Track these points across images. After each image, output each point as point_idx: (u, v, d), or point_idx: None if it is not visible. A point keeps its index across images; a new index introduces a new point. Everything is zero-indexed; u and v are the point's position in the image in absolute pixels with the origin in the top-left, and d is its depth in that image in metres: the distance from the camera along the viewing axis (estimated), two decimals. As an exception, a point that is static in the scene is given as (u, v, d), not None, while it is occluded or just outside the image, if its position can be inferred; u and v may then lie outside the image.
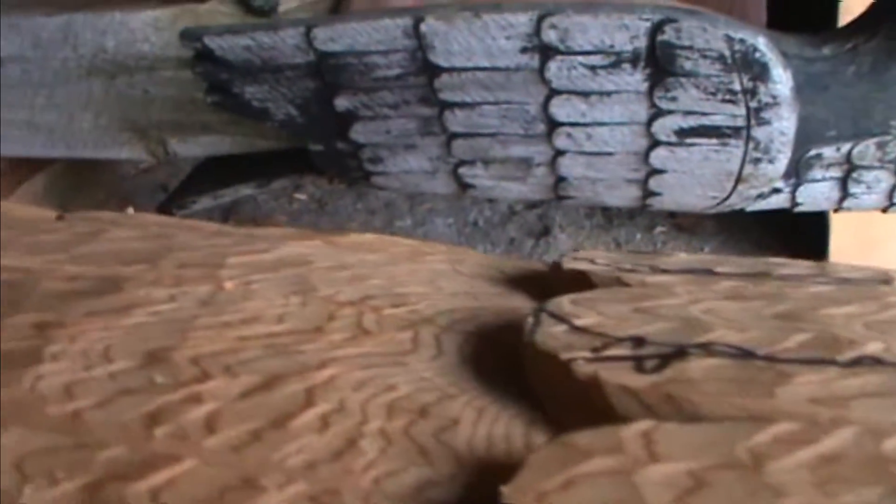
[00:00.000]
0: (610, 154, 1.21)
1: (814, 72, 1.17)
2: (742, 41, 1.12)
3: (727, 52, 1.12)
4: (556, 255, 1.46)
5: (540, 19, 1.11)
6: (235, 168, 1.35)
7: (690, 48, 1.12)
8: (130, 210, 0.55)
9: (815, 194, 1.27)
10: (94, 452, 0.33)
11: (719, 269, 0.49)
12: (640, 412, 0.34)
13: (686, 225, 1.56)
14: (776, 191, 1.27)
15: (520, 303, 0.48)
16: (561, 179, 1.25)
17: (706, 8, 1.19)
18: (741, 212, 1.32)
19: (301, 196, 1.58)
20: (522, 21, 1.11)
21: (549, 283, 0.51)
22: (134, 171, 1.65)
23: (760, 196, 1.27)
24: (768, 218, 1.41)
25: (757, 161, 1.21)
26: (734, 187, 1.25)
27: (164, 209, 1.34)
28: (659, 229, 1.54)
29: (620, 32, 1.12)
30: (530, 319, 0.40)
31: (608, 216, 1.58)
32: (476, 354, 0.41)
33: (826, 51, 1.19)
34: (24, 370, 0.37)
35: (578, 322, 0.37)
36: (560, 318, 0.38)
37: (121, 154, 1.32)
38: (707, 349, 0.37)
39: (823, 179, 1.25)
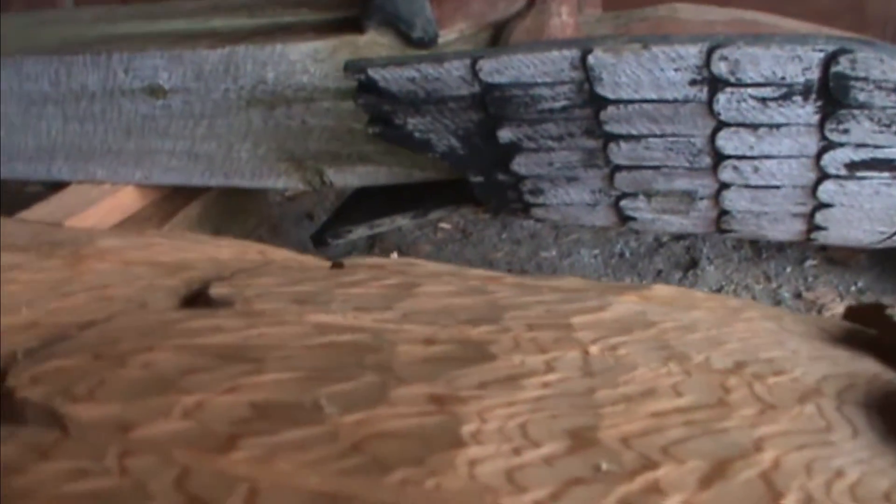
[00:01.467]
0: (776, 187, 1.19)
1: None
2: (920, 72, 1.10)
3: (904, 84, 1.10)
4: (705, 287, 1.45)
5: (710, 51, 1.10)
6: (387, 198, 1.36)
7: (865, 79, 1.10)
8: (395, 255, 0.54)
9: None
10: None
11: None
12: None
13: (838, 258, 1.53)
14: (947, 226, 1.24)
15: (870, 366, 0.47)
16: (724, 213, 1.24)
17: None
18: (898, 245, 1.29)
19: (446, 225, 1.59)
20: (692, 52, 1.11)
21: (881, 342, 0.49)
22: (280, 198, 1.68)
23: (933, 231, 1.24)
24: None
25: (931, 196, 1.18)
26: (904, 222, 1.22)
27: (319, 238, 1.35)
28: (810, 262, 1.52)
29: (793, 64, 1.11)
30: None
31: (757, 248, 1.56)
32: (888, 430, 0.40)
33: None
34: (450, 453, 0.36)
35: None
36: None
37: (277, 183, 1.34)
38: None
39: None
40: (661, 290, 0.54)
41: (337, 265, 0.58)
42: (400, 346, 0.44)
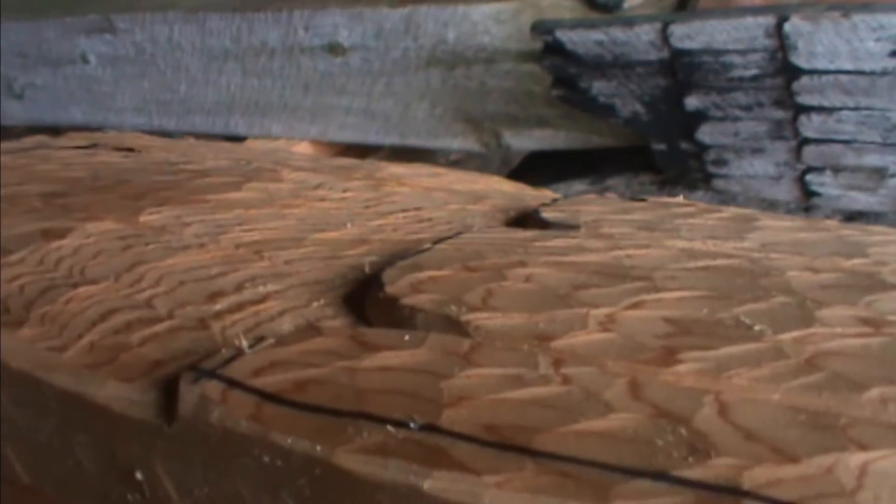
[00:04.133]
0: (973, 168, 1.17)
1: None
2: None
3: None
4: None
5: (915, 21, 1.09)
6: (559, 163, 1.38)
7: None
8: (681, 198, 0.55)
9: None
10: None
11: None
12: None
13: None
14: None
15: None
16: (914, 193, 1.22)
17: None
18: None
19: (611, 195, 1.59)
20: (895, 22, 1.09)
21: None
22: (444, 161, 1.71)
23: None
24: None
25: None
26: None
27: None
28: None
29: None
30: None
31: (935, 236, 1.52)
32: None
33: None
34: None
35: None
36: None
37: (453, 144, 1.37)
38: None
39: None
40: None
41: (639, 200, 0.59)
42: (787, 271, 0.44)
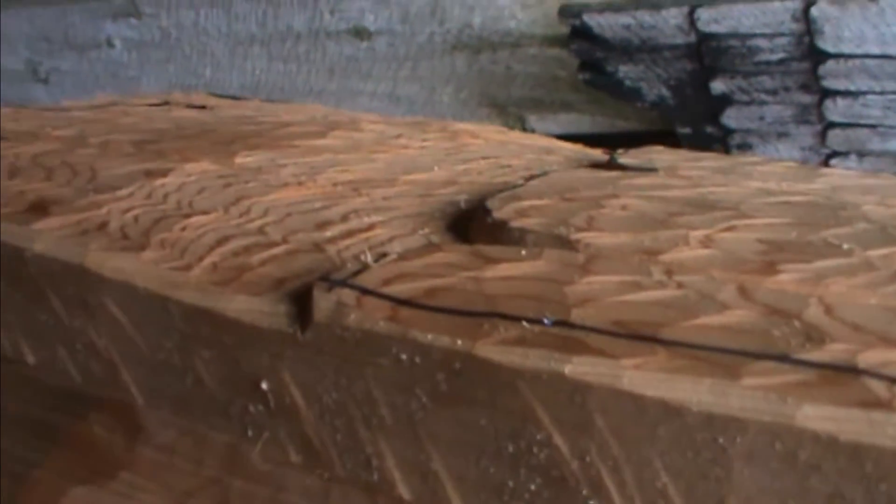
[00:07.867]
0: None
1: None
2: None
3: None
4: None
5: (941, 6, 1.12)
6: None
7: None
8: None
9: None
10: None
11: None
12: None
13: None
14: None
15: None
16: (938, 178, 1.25)
17: None
18: None
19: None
20: (922, 8, 1.13)
21: None
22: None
23: None
24: None
25: None
26: None
27: (515, 186, 1.41)
28: None
29: None
30: None
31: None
32: None
33: None
34: None
35: None
36: None
37: (478, 129, 1.41)
38: None
39: None
40: None
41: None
42: (862, 206, 0.47)
